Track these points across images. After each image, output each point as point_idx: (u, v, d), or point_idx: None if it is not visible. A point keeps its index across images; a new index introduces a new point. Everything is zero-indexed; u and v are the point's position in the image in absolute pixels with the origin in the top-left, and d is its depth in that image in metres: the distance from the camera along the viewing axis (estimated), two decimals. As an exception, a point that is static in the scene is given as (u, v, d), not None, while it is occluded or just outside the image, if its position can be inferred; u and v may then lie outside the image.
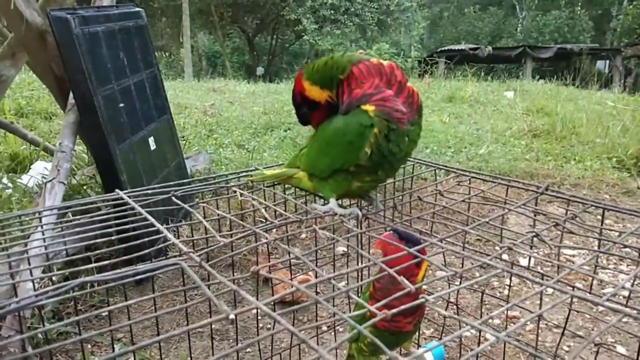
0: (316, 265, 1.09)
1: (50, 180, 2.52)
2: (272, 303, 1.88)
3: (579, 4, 24.11)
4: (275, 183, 1.64)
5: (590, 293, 1.39)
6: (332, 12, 17.89)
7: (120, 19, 3.01)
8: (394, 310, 0.88)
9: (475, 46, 17.62)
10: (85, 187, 3.17)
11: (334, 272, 1.59)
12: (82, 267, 1.14)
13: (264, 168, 1.69)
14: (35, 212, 1.48)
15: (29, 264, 1.36)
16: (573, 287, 1.44)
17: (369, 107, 1.23)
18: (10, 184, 3.23)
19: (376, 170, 1.30)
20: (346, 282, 2.63)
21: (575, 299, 2.40)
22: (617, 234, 2.71)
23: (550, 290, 2.55)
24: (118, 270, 0.98)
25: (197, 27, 21.71)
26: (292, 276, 1.92)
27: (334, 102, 1.34)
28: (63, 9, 2.63)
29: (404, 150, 1.28)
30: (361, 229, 1.45)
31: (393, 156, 1.26)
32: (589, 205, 1.35)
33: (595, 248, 1.32)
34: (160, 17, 21.50)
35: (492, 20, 25.58)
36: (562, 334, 1.52)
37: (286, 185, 1.65)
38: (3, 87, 3.59)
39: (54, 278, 1.98)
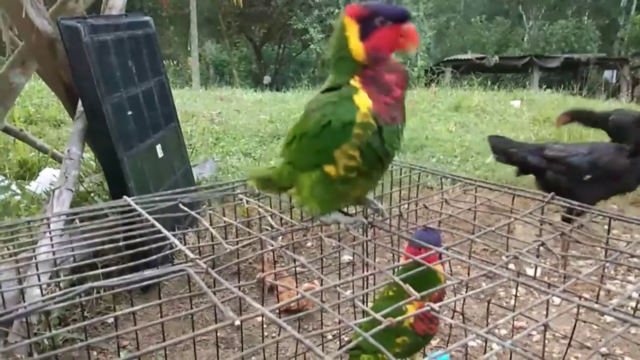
0: (322, 274, 1.10)
1: (58, 187, 2.54)
2: (278, 311, 1.88)
3: (586, 13, 24.06)
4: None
5: (597, 303, 1.39)
6: (338, 21, 17.94)
7: (130, 27, 3.05)
8: (399, 318, 0.88)
9: (482, 55, 17.60)
10: (92, 195, 3.18)
11: (340, 280, 1.59)
12: (89, 273, 1.15)
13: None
14: (43, 219, 1.50)
15: (37, 269, 1.37)
16: (580, 297, 1.43)
17: (362, 100, 1.14)
18: (18, 191, 3.25)
19: (370, 173, 1.21)
20: (352, 290, 2.62)
21: (582, 309, 2.38)
22: (625, 244, 2.69)
23: (557, 302, 2.53)
24: (125, 276, 0.99)
25: (204, 36, 21.86)
26: (297, 285, 1.92)
27: None
28: (73, 18, 2.66)
29: (397, 149, 1.20)
30: (367, 237, 1.45)
31: (388, 157, 1.20)
32: (595, 214, 1.35)
33: (602, 258, 1.31)
34: (169, 26, 21.66)
35: (498, 29, 25.54)
36: (569, 344, 1.51)
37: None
38: (13, 94, 3.62)
39: (61, 284, 1.99)
